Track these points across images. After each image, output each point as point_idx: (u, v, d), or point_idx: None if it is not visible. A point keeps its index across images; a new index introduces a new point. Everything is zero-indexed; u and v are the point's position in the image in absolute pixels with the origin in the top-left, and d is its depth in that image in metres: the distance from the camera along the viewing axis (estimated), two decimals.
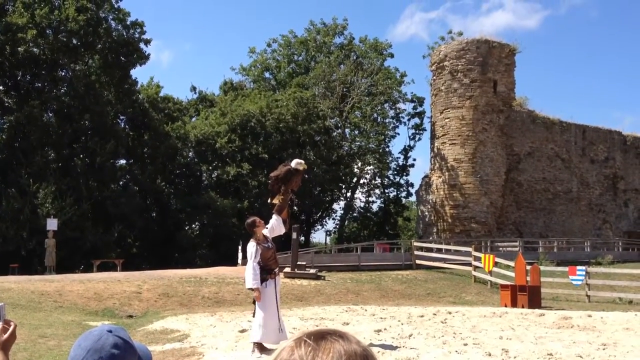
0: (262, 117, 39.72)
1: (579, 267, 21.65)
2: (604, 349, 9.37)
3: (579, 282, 21.26)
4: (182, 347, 10.12)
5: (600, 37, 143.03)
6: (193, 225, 40.45)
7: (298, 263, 24.09)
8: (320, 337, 1.01)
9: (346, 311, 15.82)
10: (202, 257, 36.05)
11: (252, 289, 9.17)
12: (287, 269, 23.56)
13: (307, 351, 0.97)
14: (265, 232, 9.48)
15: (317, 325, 12.60)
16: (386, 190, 53.42)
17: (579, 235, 38.60)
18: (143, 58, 38.23)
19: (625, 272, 23.60)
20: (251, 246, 9.30)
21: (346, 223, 53.42)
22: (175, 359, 9.17)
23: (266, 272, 9.23)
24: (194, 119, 45.53)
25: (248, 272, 9.12)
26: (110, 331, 1.68)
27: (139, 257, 35.22)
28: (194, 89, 50.83)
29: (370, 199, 53.85)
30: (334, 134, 46.13)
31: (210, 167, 40.43)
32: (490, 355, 8.85)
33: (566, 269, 22.15)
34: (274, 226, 9.58)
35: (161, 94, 43.94)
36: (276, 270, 9.47)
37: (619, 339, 10.63)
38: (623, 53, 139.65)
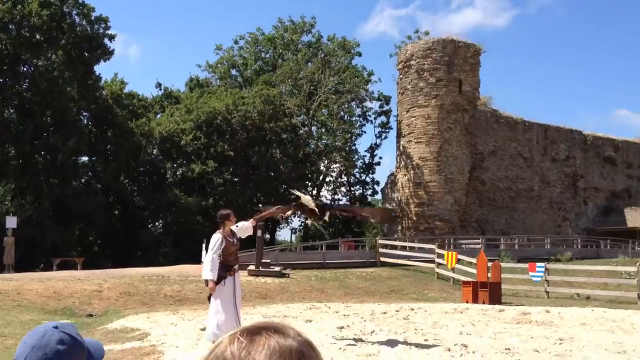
0: (228, 115, 39.52)
1: (538, 264, 22.02)
2: (560, 344, 9.56)
3: (539, 279, 21.63)
4: (142, 345, 10.03)
5: (567, 37, 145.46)
6: (157, 223, 40.08)
7: (263, 261, 24.03)
8: (255, 332, 0.99)
9: (310, 309, 15.83)
10: (166, 256, 35.72)
11: (206, 281, 9.04)
12: (252, 267, 23.50)
13: (239, 347, 0.96)
14: (234, 228, 9.41)
15: None
16: (352, 188, 53.64)
17: (540, 233, 39.26)
18: (107, 54, 37.74)
19: (583, 269, 24.09)
20: (216, 237, 9.16)
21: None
22: (135, 357, 9.07)
23: (225, 268, 9.12)
24: (158, 116, 45.10)
25: (206, 263, 9.00)
26: (56, 327, 1.65)
27: (101, 256, 34.77)
28: (159, 85, 50.44)
29: (336, 196, 54.01)
30: (301, 131, 46.13)
31: (175, 165, 40.10)
32: (449, 350, 8.96)
33: (526, 265, 22.51)
34: (244, 227, 9.51)
35: (126, 90, 43.44)
36: (236, 267, 9.37)
37: (575, 333, 10.85)
38: (588, 54, 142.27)
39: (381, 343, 9.56)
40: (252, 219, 9.62)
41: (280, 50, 53.17)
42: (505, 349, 9.02)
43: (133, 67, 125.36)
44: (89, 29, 36.95)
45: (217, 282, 8.97)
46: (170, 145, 38.84)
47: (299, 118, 46.29)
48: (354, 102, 49.16)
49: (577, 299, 20.51)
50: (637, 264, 20.79)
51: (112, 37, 37.96)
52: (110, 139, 37.91)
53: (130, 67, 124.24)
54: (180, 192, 36.94)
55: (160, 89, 50.25)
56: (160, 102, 48.39)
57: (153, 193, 37.31)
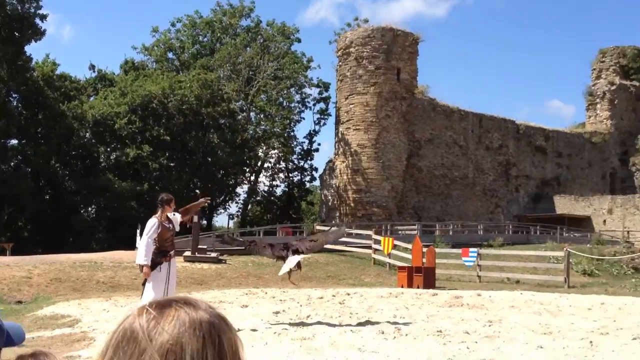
0: (165, 98, 38.78)
1: (471, 249, 22.56)
2: (489, 326, 9.82)
3: (471, 263, 22.17)
4: (73, 332, 9.78)
5: (504, 29, 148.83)
6: (89, 209, 39.10)
7: (199, 247, 23.78)
8: (165, 304, 0.96)
9: (246, 294, 15.79)
10: (99, 242, 34.93)
11: (141, 266, 8.87)
12: (188, 253, 23.23)
13: (148, 318, 0.93)
14: (170, 215, 9.24)
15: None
16: (290, 175, 53.63)
17: (474, 219, 40.20)
18: (39, 34, 36.40)
19: (514, 254, 24.81)
20: (152, 222, 8.93)
21: (249, 207, 53.25)
22: (65, 344, 8.84)
23: (161, 254, 8.95)
24: (92, 99, 43.88)
25: (141, 248, 8.79)
26: None
27: (31, 242, 33.71)
28: (92, 67, 49.03)
29: (275, 182, 53.94)
30: (239, 117, 45.74)
31: (109, 149, 39.15)
32: (383, 333, 9.08)
33: (460, 250, 23.03)
34: (178, 218, 9.32)
35: (58, 72, 42.04)
36: (171, 252, 9.21)
37: (504, 316, 11.17)
38: (524, 46, 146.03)
39: (316, 327, 9.61)
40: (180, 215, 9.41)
41: (219, 34, 52.46)
42: (437, 331, 9.20)
43: (66, 48, 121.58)
44: (19, 7, 35.53)
45: (152, 268, 8.79)
46: (104, 129, 37.87)
47: (237, 103, 45.85)
48: (293, 88, 49.08)
49: (507, 283, 21.11)
50: (565, 249, 21.53)
51: (43, 17, 36.63)
52: (41, 121, 36.68)
53: (63, 48, 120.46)
54: (114, 176, 36.12)
55: (94, 71, 48.93)
56: (94, 85, 47.09)
57: (85, 177, 36.35)
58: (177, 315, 0.93)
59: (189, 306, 0.95)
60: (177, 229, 9.32)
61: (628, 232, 39.45)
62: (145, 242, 8.74)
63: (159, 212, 9.02)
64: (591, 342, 8.30)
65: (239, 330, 9.44)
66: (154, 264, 8.77)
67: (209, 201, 9.47)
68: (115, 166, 38.05)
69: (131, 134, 37.59)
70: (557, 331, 9.26)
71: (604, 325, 9.80)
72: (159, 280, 8.69)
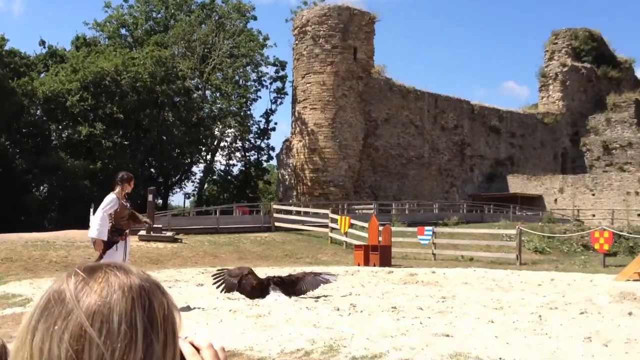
0: (118, 76, 37.94)
1: (426, 228, 22.88)
2: (443, 302, 9.98)
3: (426, 242, 22.50)
4: (24, 311, 9.57)
5: (461, 11, 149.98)
6: (41, 188, 38.23)
7: (154, 226, 23.48)
8: (95, 268, 0.94)
9: (202, 273, 15.69)
10: (52, 221, 34.22)
11: (94, 239, 8.68)
12: (143, 232, 22.95)
13: (77, 281, 0.91)
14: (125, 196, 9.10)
15: (169, 287, 12.41)
16: (247, 154, 53.29)
17: (429, 198, 40.72)
18: None
19: (468, 232, 25.26)
20: (110, 197, 8.77)
21: (206, 186, 52.82)
22: (16, 323, 8.64)
23: (117, 232, 8.83)
24: (42, 75, 42.69)
25: (95, 220, 8.62)
26: None
27: None
28: (43, 43, 47.65)
29: (231, 162, 53.53)
30: (194, 95, 45.12)
31: (61, 127, 38.21)
32: (338, 310, 9.14)
33: (415, 229, 23.33)
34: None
35: (7, 48, 40.68)
36: (127, 231, 9.11)
37: (457, 292, 11.36)
38: (481, 28, 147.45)
39: (272, 305, 9.62)
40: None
41: (173, 11, 51.47)
42: (392, 307, 9.31)
43: (16, 24, 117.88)
44: None
45: (108, 247, 8.67)
46: (55, 106, 36.91)
47: (192, 81, 45.20)
48: (249, 67, 48.57)
49: (461, 261, 21.50)
50: (517, 227, 21.99)
51: None
52: None
53: (13, 24, 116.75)
54: (66, 155, 35.32)
55: (45, 47, 47.57)
56: (44, 61, 45.80)
57: (37, 156, 35.43)
58: (107, 277, 0.91)
59: (120, 270, 0.93)
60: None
61: (578, 210, 40.54)
62: (100, 215, 8.59)
63: (117, 189, 8.89)
64: (540, 316, 8.51)
65: (194, 308, 9.41)
66: (110, 243, 8.66)
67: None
68: (67, 144, 37.18)
69: (83, 112, 36.73)
70: (507, 306, 9.46)
71: (553, 300, 10.06)
72: (115, 259, 8.55)
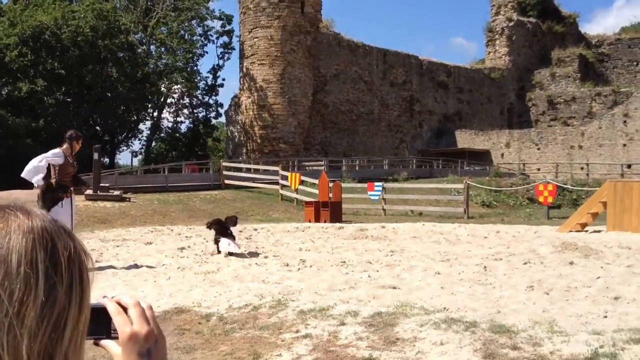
0: (58, 30, 36.51)
1: (376, 184, 23.05)
2: (391, 255, 10.11)
3: (376, 197, 22.69)
4: None
5: None
6: None
7: (101, 185, 23.02)
8: None
9: (152, 232, 15.50)
10: None
11: (39, 187, 8.50)
12: (89, 191, 22.45)
13: None
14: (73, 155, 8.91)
15: (117, 246, 12.22)
16: (195, 111, 52.45)
17: (379, 154, 40.99)
18: None
19: (417, 187, 25.57)
20: (56, 150, 8.60)
21: (153, 144, 51.92)
22: None
23: (61, 189, 8.63)
24: None
25: (33, 164, 8.40)
26: None
27: None
28: None
29: (179, 119, 52.65)
30: (139, 50, 43.88)
31: (0, 83, 36.76)
32: (287, 265, 9.16)
33: (366, 185, 23.48)
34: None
35: None
36: (71, 189, 8.89)
37: (406, 246, 11.52)
38: None
39: (221, 262, 9.57)
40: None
41: None
42: (341, 262, 9.38)
43: None
44: None
45: (53, 204, 8.49)
46: None
47: (136, 36, 43.88)
48: (194, 21, 47.35)
49: (411, 215, 21.79)
50: (464, 182, 22.36)
51: None
52: None
53: None
54: (7, 112, 34.08)
55: None
56: None
57: None
58: (6, 218, 0.86)
59: (21, 211, 0.88)
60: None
61: (524, 164, 41.47)
62: (37, 160, 8.36)
63: (65, 146, 8.74)
64: (485, 267, 8.70)
65: (142, 266, 9.29)
66: (55, 200, 8.48)
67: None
68: (7, 101, 35.84)
69: (23, 67, 35.36)
70: (454, 258, 9.65)
71: (498, 252, 10.30)
72: (60, 216, 8.34)
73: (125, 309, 0.96)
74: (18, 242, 0.84)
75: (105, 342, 0.96)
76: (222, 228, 10.61)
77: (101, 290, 7.53)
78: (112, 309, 0.95)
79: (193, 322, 6.00)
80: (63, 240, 0.88)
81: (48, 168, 8.52)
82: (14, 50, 35.21)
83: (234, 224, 10.90)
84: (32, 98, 35.28)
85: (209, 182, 28.29)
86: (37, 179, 8.43)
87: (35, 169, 8.37)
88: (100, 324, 0.94)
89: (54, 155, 8.54)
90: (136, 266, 9.35)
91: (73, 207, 8.87)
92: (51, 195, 8.54)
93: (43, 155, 8.58)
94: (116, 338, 0.95)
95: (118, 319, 0.94)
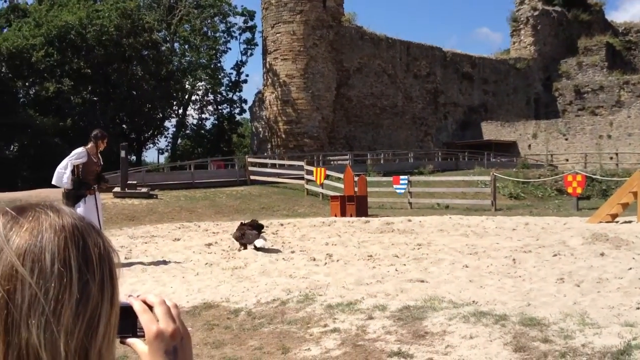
0: (83, 29, 36.92)
1: (402, 177, 22.94)
2: (418, 249, 10.05)
3: (402, 191, 22.58)
4: None
5: None
6: (12, 147, 37.51)
7: (128, 182, 23.29)
8: (25, 207, 0.88)
9: (179, 228, 15.62)
10: (25, 180, 33.70)
11: (66, 190, 8.73)
12: (117, 189, 22.74)
13: (6, 220, 0.85)
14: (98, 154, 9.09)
15: (145, 243, 12.33)
16: (219, 107, 52.72)
17: (404, 148, 40.79)
18: None
19: (443, 180, 25.42)
20: (79, 150, 8.83)
21: (179, 141, 52.32)
22: None
23: (84, 187, 8.76)
24: (5, 30, 41.42)
25: (59, 170, 8.66)
26: None
27: None
28: None
29: (204, 115, 53.00)
30: (163, 48, 44.20)
31: (27, 83, 37.29)
32: (314, 260, 9.16)
33: (391, 179, 23.38)
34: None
35: None
36: (95, 186, 9.01)
37: (433, 239, 11.45)
38: None
39: (248, 257, 9.60)
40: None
41: None
42: (368, 256, 9.35)
43: None
44: None
45: (76, 201, 8.62)
46: (20, 62, 35.91)
47: (159, 34, 44.19)
48: (217, 17, 47.56)
49: (437, 208, 21.64)
50: (491, 173, 22.16)
51: None
52: None
53: None
54: (35, 112, 34.58)
55: (6, 2, 46.16)
56: (6, 16, 44.40)
57: (4, 114, 34.62)
58: (37, 217, 0.86)
59: (52, 210, 0.88)
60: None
61: (552, 155, 40.97)
62: (64, 164, 8.64)
63: (90, 145, 8.91)
64: (514, 259, 8.61)
65: (170, 262, 9.37)
66: (77, 197, 8.61)
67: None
68: (35, 101, 36.38)
69: (50, 67, 35.84)
70: (482, 251, 9.56)
71: (527, 244, 10.18)
72: (84, 212, 8.48)
73: (150, 308, 0.96)
74: (51, 241, 0.84)
75: (131, 340, 0.96)
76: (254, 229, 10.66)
77: (131, 286, 7.61)
78: (138, 308, 0.95)
79: (222, 318, 6.03)
80: (93, 237, 0.89)
81: (73, 169, 8.71)
82: (40, 50, 35.70)
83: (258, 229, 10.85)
84: (59, 97, 35.74)
85: (234, 178, 28.42)
86: (64, 182, 8.67)
87: (61, 174, 8.62)
88: (127, 322, 0.95)
89: (77, 156, 8.74)
90: (165, 262, 9.43)
91: (98, 204, 8.99)
92: (74, 193, 8.72)
93: (67, 159, 8.79)
94: (142, 336, 0.95)
95: (144, 318, 0.95)
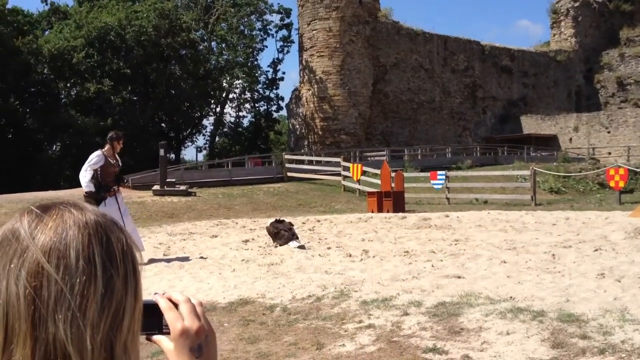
0: (122, 30, 37.54)
1: (439, 172, 22.75)
2: (455, 244, 9.95)
3: (440, 186, 22.40)
4: None
5: None
6: (54, 147, 38.36)
7: (167, 180, 23.59)
8: (49, 206, 0.91)
9: (217, 225, 15.75)
10: (67, 179, 34.42)
11: (87, 193, 8.93)
12: (156, 187, 23.07)
13: (31, 219, 0.88)
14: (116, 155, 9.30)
15: (184, 240, 12.48)
16: (256, 105, 53.00)
17: (442, 143, 40.46)
18: None
19: (482, 175, 25.10)
20: (96, 153, 9.10)
21: (217, 139, 52.80)
22: None
23: (104, 189, 9.00)
24: (46, 33, 42.35)
25: (82, 175, 8.93)
26: None
27: None
28: (45, 0, 47.12)
29: (241, 113, 53.37)
30: (200, 47, 44.64)
31: (69, 84, 38.07)
32: (350, 256, 9.15)
33: (429, 174, 23.21)
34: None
35: (9, 6, 40.29)
36: (115, 188, 9.22)
37: (470, 235, 11.32)
38: None
39: (284, 253, 9.64)
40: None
41: None
42: (404, 252, 9.30)
43: None
44: None
45: (97, 204, 8.77)
46: (62, 64, 36.70)
47: (197, 33, 44.66)
48: (253, 15, 47.81)
49: (475, 204, 21.37)
50: (531, 168, 21.81)
51: None
52: None
53: None
54: (77, 112, 35.29)
55: (47, 4, 47.05)
56: (48, 18, 45.38)
57: (47, 115, 35.44)
58: (61, 214, 0.89)
59: (75, 207, 0.90)
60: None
61: (593, 148, 40.16)
62: (84, 169, 8.88)
63: (107, 147, 9.14)
64: (554, 255, 8.46)
65: (207, 258, 9.46)
66: (98, 200, 8.78)
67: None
68: (76, 102, 37.13)
69: (90, 68, 36.54)
70: (521, 246, 9.42)
71: (567, 239, 9.99)
72: (110, 214, 8.66)
73: (176, 306, 0.97)
74: (75, 238, 0.86)
75: (157, 338, 0.98)
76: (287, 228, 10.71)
77: (169, 282, 7.72)
78: (164, 305, 0.97)
79: (257, 313, 6.07)
80: (116, 233, 0.91)
81: (94, 172, 8.96)
82: (81, 51, 36.40)
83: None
84: (100, 98, 36.40)
85: (272, 175, 28.56)
86: (85, 186, 8.94)
87: (82, 179, 8.91)
88: (152, 319, 0.96)
89: (96, 160, 8.96)
90: (202, 259, 9.53)
91: (120, 205, 9.17)
92: (95, 196, 8.88)
93: (86, 163, 9.02)
94: (168, 334, 0.96)
95: (170, 315, 0.96)
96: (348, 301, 6.16)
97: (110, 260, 0.88)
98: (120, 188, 9.31)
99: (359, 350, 4.77)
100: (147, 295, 0.96)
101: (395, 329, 5.20)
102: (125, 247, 0.91)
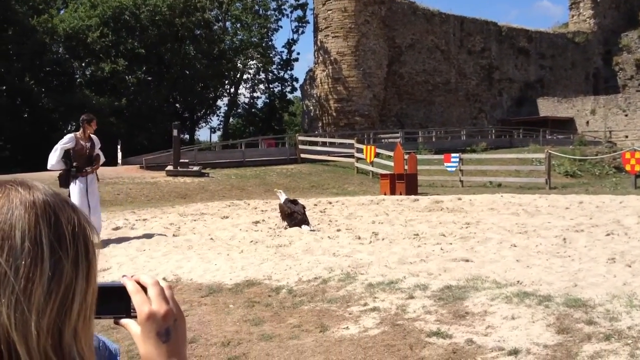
0: (136, 10, 37.49)
1: (453, 155, 22.60)
2: (466, 228, 9.88)
3: (453, 169, 22.26)
4: None
5: None
6: (69, 127, 38.53)
7: (181, 161, 23.66)
8: None
9: (229, 206, 15.76)
10: None
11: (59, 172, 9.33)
12: (170, 167, 23.15)
13: None
14: (95, 138, 9.56)
15: (194, 220, 12.51)
16: (271, 86, 52.86)
17: (457, 125, 40.17)
18: None
19: (496, 157, 24.93)
20: (68, 136, 9.47)
21: (231, 120, 52.80)
22: None
23: (76, 169, 9.31)
24: (62, 12, 42.38)
25: (50, 155, 9.29)
26: None
27: (11, 161, 33.31)
28: None
29: (255, 94, 53.28)
30: (215, 27, 44.50)
31: (84, 64, 38.15)
32: (359, 238, 9.11)
33: (442, 156, 23.07)
34: (98, 143, 9.66)
35: None
36: (88, 169, 9.45)
37: (482, 217, 11.24)
38: None
39: (294, 235, 9.63)
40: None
41: None
42: (414, 234, 9.25)
43: None
44: None
45: (67, 184, 9.22)
46: (77, 43, 36.75)
47: (211, 13, 44.49)
48: None
49: (489, 187, 21.24)
50: (546, 150, 21.60)
51: None
52: (11, 37, 35.43)
53: None
54: (91, 92, 35.39)
55: None
56: None
57: (62, 94, 35.56)
58: (8, 193, 0.85)
59: (22, 186, 0.86)
60: (98, 151, 9.70)
61: (610, 132, 39.70)
62: (53, 150, 9.27)
63: (81, 130, 9.48)
64: (565, 239, 8.38)
65: (216, 240, 9.47)
66: (68, 179, 9.04)
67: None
68: (91, 81, 37.22)
69: (105, 48, 36.56)
70: (532, 230, 9.34)
71: (580, 223, 9.89)
72: (76, 194, 9.10)
73: (145, 289, 0.94)
74: (21, 218, 0.82)
75: (125, 321, 0.95)
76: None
77: (177, 263, 7.73)
78: (131, 288, 0.93)
79: (263, 295, 6.06)
80: (66, 213, 0.87)
81: (67, 153, 9.32)
82: (96, 31, 36.41)
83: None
84: (114, 77, 36.46)
85: (285, 156, 28.53)
86: (50, 164, 9.34)
87: (51, 158, 9.28)
88: (121, 303, 0.94)
89: (67, 141, 9.34)
90: (211, 240, 9.54)
91: (90, 185, 9.42)
92: (65, 176, 9.30)
93: (58, 143, 9.41)
94: (136, 317, 0.94)
95: (137, 298, 0.93)
96: (354, 284, 6.13)
97: (59, 241, 0.83)
98: (90, 170, 9.45)
99: (363, 334, 4.75)
100: (115, 278, 0.92)
101: (400, 312, 5.17)
102: (77, 228, 0.87)
